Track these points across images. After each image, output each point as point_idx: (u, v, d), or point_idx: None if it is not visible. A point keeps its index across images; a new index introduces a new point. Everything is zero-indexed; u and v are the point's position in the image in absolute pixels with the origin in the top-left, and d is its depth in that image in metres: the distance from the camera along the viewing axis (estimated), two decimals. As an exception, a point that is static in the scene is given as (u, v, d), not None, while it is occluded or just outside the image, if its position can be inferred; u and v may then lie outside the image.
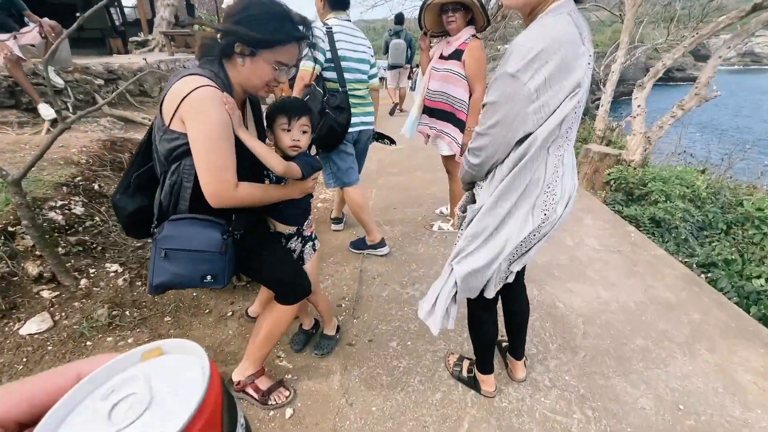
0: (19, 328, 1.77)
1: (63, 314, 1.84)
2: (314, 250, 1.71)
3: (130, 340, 1.79)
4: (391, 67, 7.21)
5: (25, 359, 1.67)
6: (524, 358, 1.76)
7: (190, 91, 1.05)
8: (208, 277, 1.22)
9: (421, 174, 4.46)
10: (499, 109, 1.08)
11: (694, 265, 3.21)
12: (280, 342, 1.94)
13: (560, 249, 2.86)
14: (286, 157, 1.41)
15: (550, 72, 1.03)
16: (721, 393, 1.71)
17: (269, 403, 1.59)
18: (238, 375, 1.60)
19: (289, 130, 1.40)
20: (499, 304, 1.59)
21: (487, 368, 1.66)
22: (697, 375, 1.80)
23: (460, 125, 2.60)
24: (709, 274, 3.11)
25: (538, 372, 1.79)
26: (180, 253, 1.17)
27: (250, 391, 1.60)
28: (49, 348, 1.70)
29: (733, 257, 3.18)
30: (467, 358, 1.81)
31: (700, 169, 5.31)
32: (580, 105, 1.11)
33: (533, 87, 1.03)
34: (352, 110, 2.32)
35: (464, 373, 1.74)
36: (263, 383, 1.61)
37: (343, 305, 2.25)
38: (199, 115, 1.06)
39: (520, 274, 1.57)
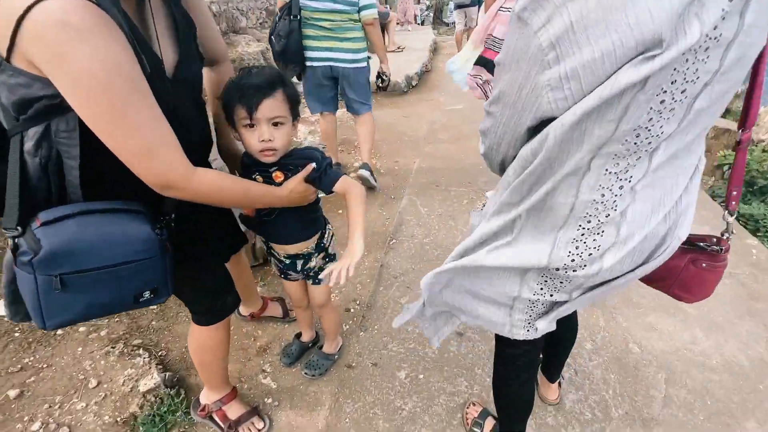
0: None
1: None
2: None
3: (103, 332, 1.61)
4: (457, 6, 6.18)
5: (-2, 340, 1.56)
6: (560, 379, 1.44)
7: (28, 9, 0.59)
8: (146, 294, 0.85)
9: (476, 143, 3.78)
10: (503, 75, 0.64)
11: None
12: (268, 352, 1.65)
13: (645, 263, 2.18)
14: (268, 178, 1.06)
15: (581, 12, 0.50)
16: None
17: None
18: (204, 398, 1.34)
19: (252, 126, 0.95)
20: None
21: None
22: None
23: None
24: None
25: (589, 452, 1.31)
26: (92, 275, 0.76)
27: (216, 418, 1.33)
28: (16, 335, 1.57)
29: None
30: (493, 417, 1.37)
31: None
32: (681, 82, 0.51)
33: (547, 39, 0.53)
34: (316, 43, 2.40)
35: None
36: (233, 411, 1.33)
37: (352, 310, 1.88)
38: (64, 62, 0.63)
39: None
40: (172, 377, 1.45)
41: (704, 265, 0.82)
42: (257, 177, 1.06)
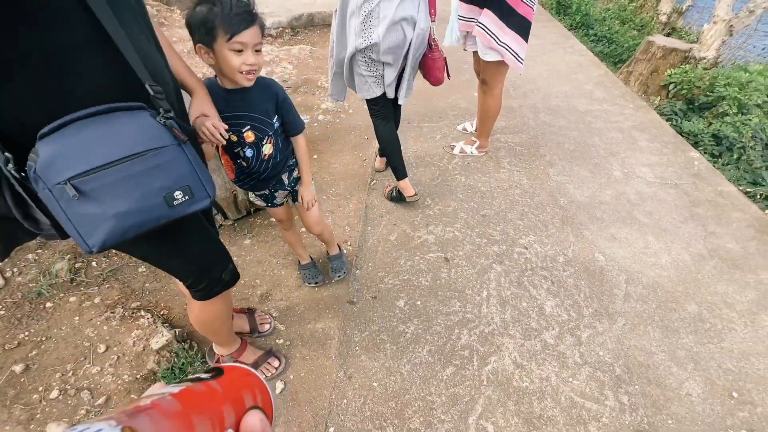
0: (-28, 283, 1.56)
1: (16, 270, 1.61)
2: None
3: (96, 300, 1.57)
4: None
5: (-14, 317, 1.49)
6: (407, 177, 2.13)
7: None
8: (178, 195, 0.75)
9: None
10: None
11: (758, 197, 2.73)
12: (270, 298, 1.71)
13: (605, 182, 2.39)
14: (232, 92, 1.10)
15: None
16: (785, 378, 1.45)
17: None
18: (217, 349, 1.39)
19: (240, 51, 1.00)
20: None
21: (399, 174, 2.09)
22: (759, 354, 1.52)
23: (503, 9, 1.92)
24: (776, 210, 2.65)
25: (567, 345, 1.54)
26: (104, 176, 0.67)
27: None
28: (1, 313, 1.49)
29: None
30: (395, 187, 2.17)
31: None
32: None
33: None
34: None
35: (394, 193, 2.18)
36: (248, 357, 1.40)
37: (345, 251, 1.95)
38: None
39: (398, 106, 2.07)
40: (182, 332, 1.48)
41: (429, 56, 1.85)
42: (232, 136, 1.15)
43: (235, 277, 1.13)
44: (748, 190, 2.75)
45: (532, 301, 1.70)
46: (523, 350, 1.52)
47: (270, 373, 1.41)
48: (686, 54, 3.86)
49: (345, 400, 1.38)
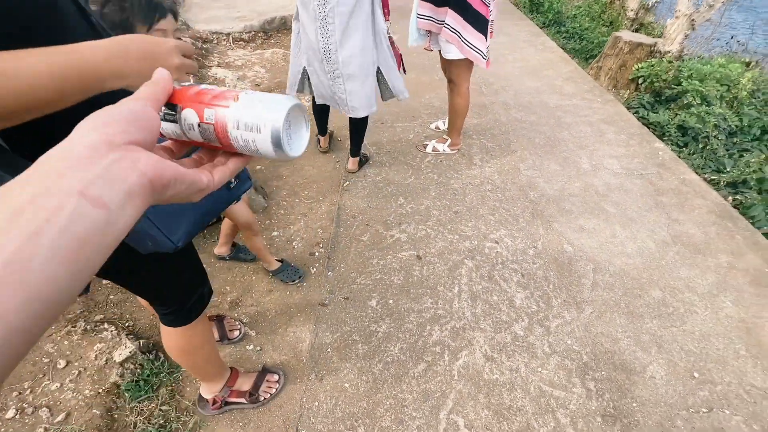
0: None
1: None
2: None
3: (57, 314, 1.53)
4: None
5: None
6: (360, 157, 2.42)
7: None
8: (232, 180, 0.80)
9: (417, 75, 3.74)
10: None
11: (722, 184, 2.82)
12: (240, 304, 1.68)
13: (574, 174, 2.44)
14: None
15: None
16: (743, 357, 1.50)
17: (262, 399, 1.33)
18: (207, 392, 1.27)
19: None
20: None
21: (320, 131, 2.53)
22: (718, 335, 1.57)
23: (463, 7, 1.96)
24: (738, 197, 2.75)
25: (537, 335, 1.57)
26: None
27: (234, 400, 1.30)
28: None
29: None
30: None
31: (746, 60, 4.50)
32: None
33: None
34: None
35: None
36: (244, 383, 1.32)
37: (317, 254, 1.94)
38: None
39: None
40: (146, 343, 1.44)
41: None
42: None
43: (210, 292, 1.08)
44: (712, 177, 2.84)
45: (502, 295, 1.72)
46: (493, 343, 1.54)
47: (274, 391, 1.35)
48: (652, 48, 3.98)
49: (316, 403, 1.36)
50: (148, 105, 0.28)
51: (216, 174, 0.32)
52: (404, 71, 2.08)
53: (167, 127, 0.34)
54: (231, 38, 4.11)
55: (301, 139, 0.34)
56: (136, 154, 0.24)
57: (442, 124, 2.90)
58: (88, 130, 0.24)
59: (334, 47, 1.80)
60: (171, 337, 1.03)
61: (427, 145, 2.66)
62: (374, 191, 2.32)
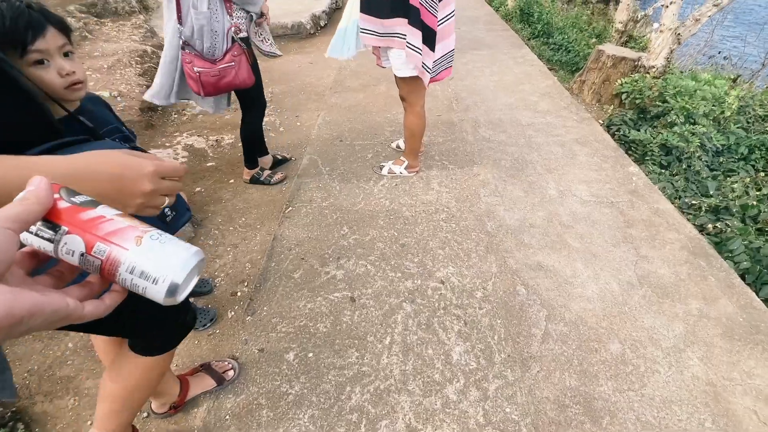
0: None
1: None
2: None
3: None
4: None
5: None
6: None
7: None
8: (167, 211, 0.80)
9: (386, 88, 3.57)
10: None
11: (703, 210, 2.62)
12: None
13: (538, 202, 2.24)
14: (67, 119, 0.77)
15: None
16: (708, 430, 1.29)
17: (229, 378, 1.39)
18: (159, 400, 1.25)
19: (42, 62, 0.78)
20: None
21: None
22: (681, 401, 1.36)
23: (416, 20, 1.78)
24: (718, 224, 2.54)
25: (471, 401, 1.35)
26: None
27: (192, 393, 1.32)
28: None
29: (751, 204, 2.56)
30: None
31: (732, 76, 4.33)
32: None
33: None
34: None
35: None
36: (201, 385, 1.34)
37: (239, 293, 1.73)
38: None
39: None
40: (3, 413, 1.23)
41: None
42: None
43: (194, 318, 1.07)
44: (693, 202, 2.64)
45: (439, 347, 1.51)
46: (420, 410, 1.33)
47: (231, 367, 1.41)
48: (636, 63, 3.81)
49: (198, 488, 1.15)
50: (8, 231, 0.26)
51: (87, 305, 0.30)
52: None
53: (34, 242, 0.30)
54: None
55: (189, 285, 0.33)
56: None
57: (403, 143, 2.71)
58: None
59: None
60: (135, 367, 0.97)
61: (384, 166, 2.47)
62: (317, 219, 2.12)
